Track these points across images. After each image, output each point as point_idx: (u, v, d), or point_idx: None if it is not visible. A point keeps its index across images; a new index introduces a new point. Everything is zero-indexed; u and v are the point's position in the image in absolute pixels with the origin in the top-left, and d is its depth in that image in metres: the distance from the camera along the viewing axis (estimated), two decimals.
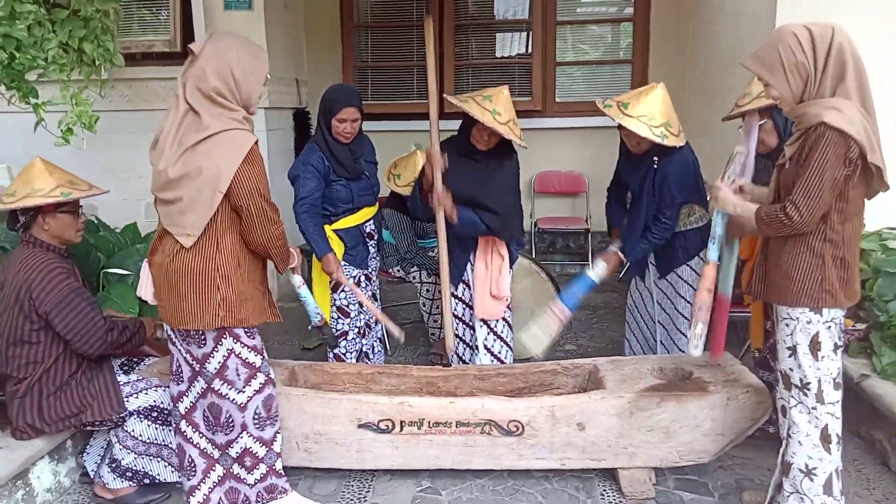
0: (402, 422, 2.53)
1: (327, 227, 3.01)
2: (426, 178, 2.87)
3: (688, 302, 3.04)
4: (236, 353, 2.24)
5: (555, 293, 3.81)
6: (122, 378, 2.50)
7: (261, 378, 2.30)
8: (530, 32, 5.69)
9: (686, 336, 3.05)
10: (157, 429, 2.49)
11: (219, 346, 2.22)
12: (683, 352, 3.08)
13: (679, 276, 3.04)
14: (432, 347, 3.96)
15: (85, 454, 2.63)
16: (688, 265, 3.02)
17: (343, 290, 3.09)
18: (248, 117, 2.17)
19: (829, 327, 2.04)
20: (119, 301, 3.04)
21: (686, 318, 3.05)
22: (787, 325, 2.08)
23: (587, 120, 5.60)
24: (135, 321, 2.58)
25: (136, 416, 2.45)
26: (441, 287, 3.18)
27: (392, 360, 3.84)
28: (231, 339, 2.22)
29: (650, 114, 2.78)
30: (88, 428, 2.48)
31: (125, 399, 2.43)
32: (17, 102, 3.01)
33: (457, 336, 3.23)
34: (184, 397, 2.32)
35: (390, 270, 3.89)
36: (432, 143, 2.85)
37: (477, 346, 3.16)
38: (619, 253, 3.01)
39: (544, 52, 5.62)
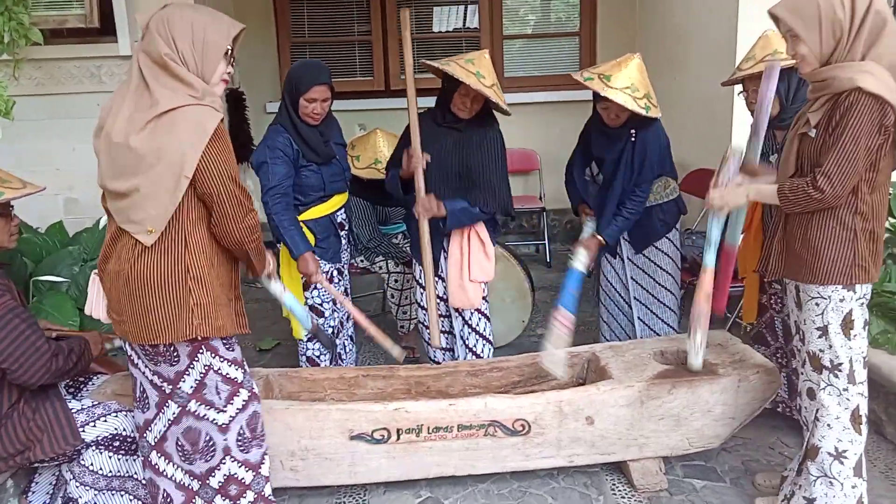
0: (398, 430, 2.31)
1: None
2: (404, 172, 2.62)
3: (668, 273, 2.96)
4: (215, 368, 1.94)
5: (525, 278, 3.67)
6: (73, 405, 2.15)
7: (244, 394, 2.02)
8: (466, 6, 5.47)
9: (669, 307, 3.00)
10: (119, 459, 2.17)
11: (194, 363, 1.92)
12: (667, 323, 3.00)
13: (658, 249, 2.96)
14: (401, 341, 3.73)
15: (30, 494, 2.27)
16: (667, 237, 2.96)
17: (316, 288, 2.81)
18: (210, 91, 1.84)
19: (862, 304, 1.96)
20: (54, 312, 2.68)
21: (668, 289, 2.98)
22: (816, 304, 1.98)
23: (535, 95, 5.46)
24: (79, 340, 2.23)
25: (94, 448, 2.12)
26: (415, 276, 3.00)
27: (362, 356, 3.58)
28: (208, 353, 1.93)
29: (633, 85, 2.65)
30: (36, 465, 2.13)
31: (81, 429, 2.09)
32: None
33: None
34: (151, 426, 2.00)
35: (353, 261, 3.62)
36: (413, 143, 2.60)
37: (455, 336, 2.97)
38: (598, 236, 2.88)
39: (491, 25, 5.41)
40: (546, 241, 5.26)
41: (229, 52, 1.85)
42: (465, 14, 5.75)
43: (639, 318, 3.04)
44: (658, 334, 2.99)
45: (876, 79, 1.77)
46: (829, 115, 1.86)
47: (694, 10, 4.26)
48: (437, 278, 2.91)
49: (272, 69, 5.42)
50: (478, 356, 2.96)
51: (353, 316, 2.74)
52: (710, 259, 2.29)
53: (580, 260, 2.84)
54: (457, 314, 2.94)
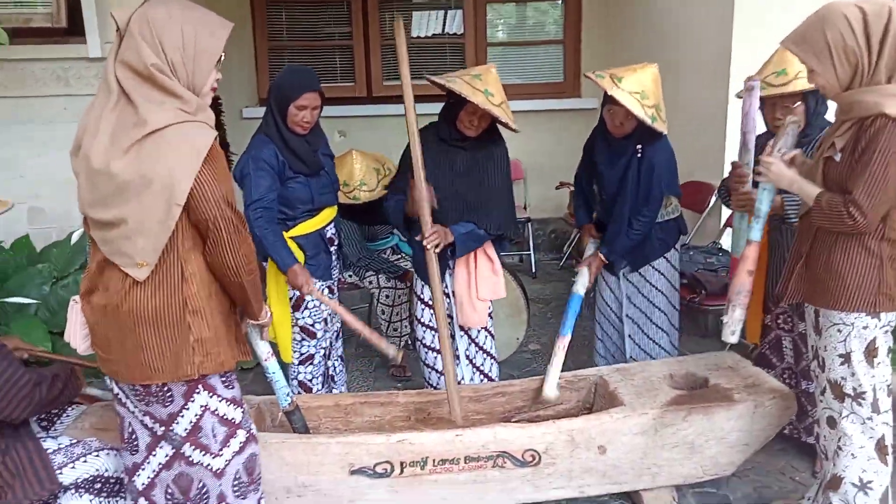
0: (402, 463, 2.18)
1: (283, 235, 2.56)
2: (410, 210, 2.45)
3: (663, 294, 2.88)
4: (212, 409, 1.78)
5: (521, 295, 3.57)
6: (48, 444, 1.97)
7: (241, 436, 1.86)
8: (448, 11, 5.37)
9: (662, 329, 2.92)
10: (101, 503, 1.99)
11: (189, 404, 1.75)
12: (660, 345, 2.93)
13: (655, 268, 2.87)
14: (390, 360, 3.59)
15: None
16: (664, 257, 2.87)
17: (307, 308, 2.66)
18: (202, 105, 1.66)
19: (887, 332, 1.90)
20: (24, 338, 2.47)
21: (661, 309, 2.90)
22: (839, 330, 1.91)
23: (520, 104, 5.33)
24: (64, 367, 2.06)
25: (73, 491, 1.94)
26: (415, 292, 2.85)
27: (349, 374, 3.43)
28: (206, 392, 1.77)
29: (644, 91, 2.55)
30: None
31: (58, 471, 1.91)
32: None
33: (430, 349, 2.90)
34: (140, 470, 1.83)
35: (341, 276, 3.46)
36: (416, 177, 2.39)
37: (458, 356, 2.84)
38: (600, 255, 2.81)
39: (476, 32, 5.31)
40: (531, 252, 5.18)
41: (221, 58, 1.68)
42: (445, 20, 5.65)
43: (629, 335, 2.95)
44: (649, 355, 2.91)
45: None
46: (855, 140, 1.80)
47: (684, 18, 4.21)
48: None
49: (249, 73, 5.23)
50: (486, 374, 2.87)
51: (348, 321, 2.54)
52: (756, 233, 2.12)
53: (581, 282, 2.78)
54: (462, 333, 2.83)
